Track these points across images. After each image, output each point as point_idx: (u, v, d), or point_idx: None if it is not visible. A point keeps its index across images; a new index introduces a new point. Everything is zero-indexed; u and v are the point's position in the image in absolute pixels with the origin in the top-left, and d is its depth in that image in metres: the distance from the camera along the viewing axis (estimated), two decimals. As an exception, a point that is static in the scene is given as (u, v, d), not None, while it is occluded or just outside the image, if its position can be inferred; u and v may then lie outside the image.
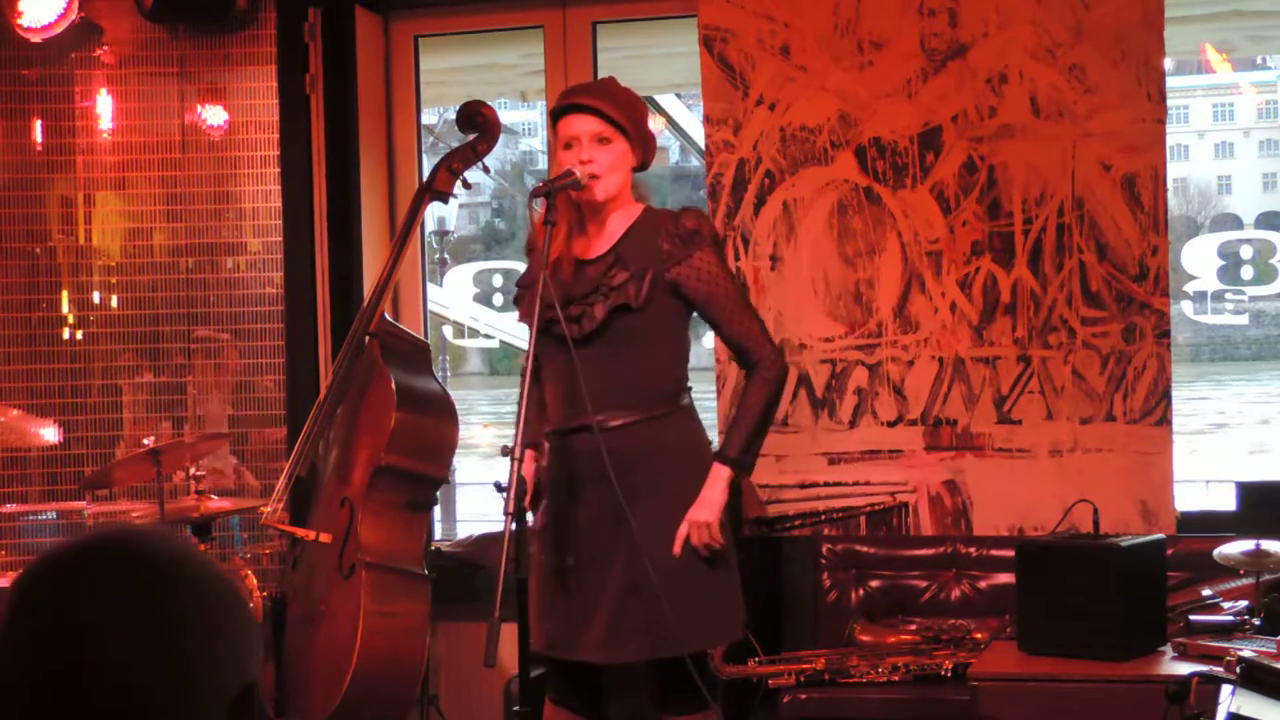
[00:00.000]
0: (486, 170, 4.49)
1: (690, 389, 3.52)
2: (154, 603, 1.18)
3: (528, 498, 3.34)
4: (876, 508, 4.61)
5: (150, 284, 5.04)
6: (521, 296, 3.55)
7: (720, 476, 3.39)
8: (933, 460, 4.58)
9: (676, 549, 3.34)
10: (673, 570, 3.34)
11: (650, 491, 3.36)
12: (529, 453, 3.40)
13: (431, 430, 4.18)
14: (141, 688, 1.16)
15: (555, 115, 3.49)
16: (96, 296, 5.10)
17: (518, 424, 3.34)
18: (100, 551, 1.21)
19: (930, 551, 4.52)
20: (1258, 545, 3.86)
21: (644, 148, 3.47)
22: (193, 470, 4.51)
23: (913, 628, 4.29)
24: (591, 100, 3.43)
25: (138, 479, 4.54)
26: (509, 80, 6.02)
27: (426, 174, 4.51)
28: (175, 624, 1.18)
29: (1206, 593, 4.04)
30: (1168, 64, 4.50)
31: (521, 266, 3.73)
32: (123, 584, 1.18)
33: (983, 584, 4.45)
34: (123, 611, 1.17)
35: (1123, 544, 3.72)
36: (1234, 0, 5.45)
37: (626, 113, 3.42)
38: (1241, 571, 3.96)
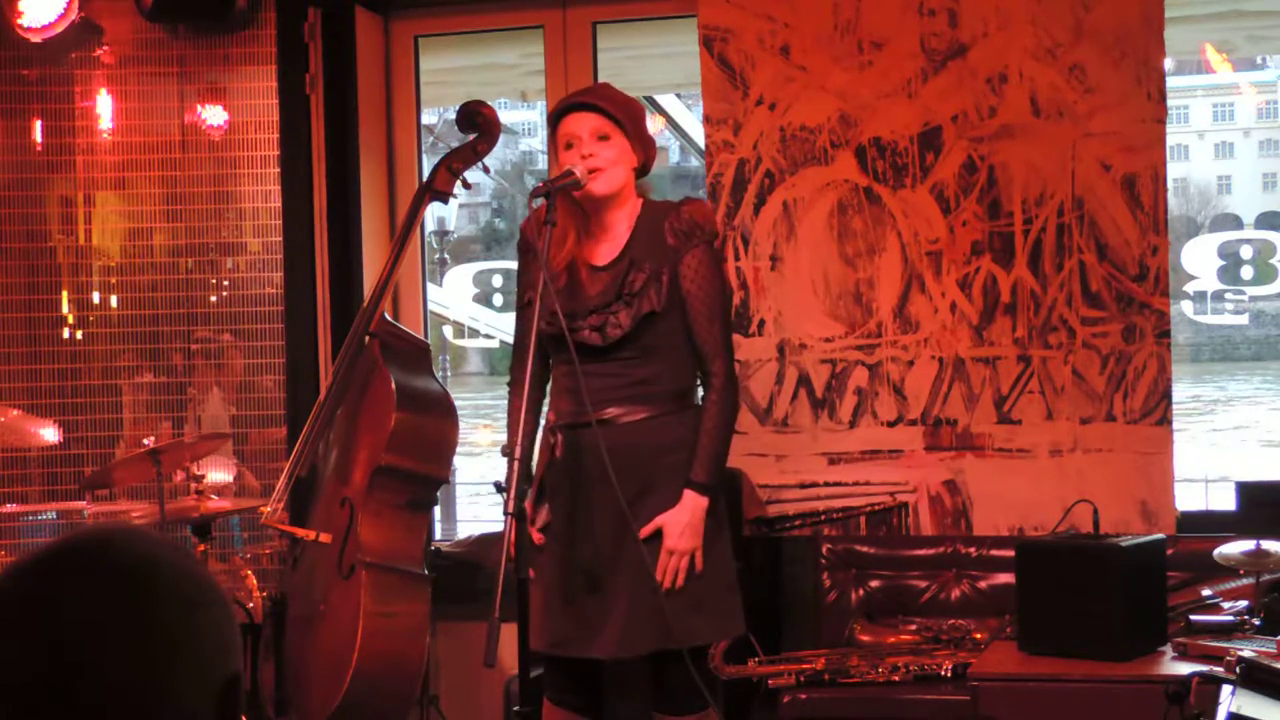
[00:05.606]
0: (486, 170, 4.49)
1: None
2: (131, 599, 1.18)
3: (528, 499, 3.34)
4: (876, 508, 4.61)
5: (150, 284, 5.04)
6: (531, 303, 3.46)
7: (699, 505, 3.39)
8: (933, 460, 4.58)
9: (659, 576, 3.35)
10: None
11: (663, 486, 3.38)
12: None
13: (431, 430, 4.17)
14: (123, 684, 1.16)
15: (554, 119, 3.51)
16: (96, 296, 5.10)
17: (515, 424, 3.36)
18: (77, 550, 1.21)
19: (930, 551, 4.52)
20: (1258, 545, 3.86)
21: (644, 147, 3.48)
22: (193, 470, 4.51)
23: (913, 628, 4.29)
24: (589, 99, 3.47)
25: (138, 479, 4.54)
26: (509, 80, 6.02)
27: (426, 174, 4.51)
28: (154, 620, 1.18)
29: (1206, 593, 4.04)
30: (1168, 64, 4.50)
31: (520, 267, 3.71)
32: (100, 581, 1.19)
33: (983, 584, 4.45)
34: (101, 609, 1.17)
35: (1123, 544, 3.72)
36: (1234, 0, 5.45)
37: (625, 112, 3.45)
38: (1241, 571, 3.96)
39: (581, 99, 3.48)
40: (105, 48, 5.02)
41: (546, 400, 3.59)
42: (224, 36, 4.95)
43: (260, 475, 4.94)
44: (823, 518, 4.63)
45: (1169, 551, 3.95)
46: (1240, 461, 14.24)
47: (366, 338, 4.25)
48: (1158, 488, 4.43)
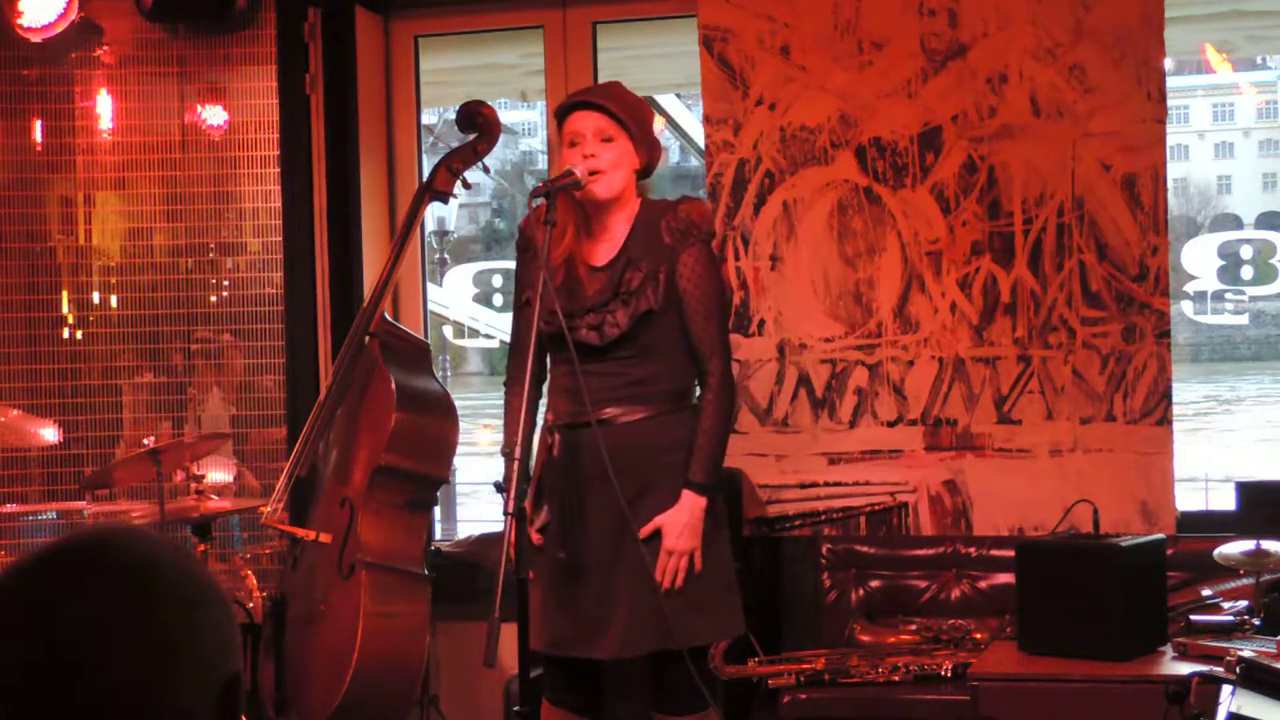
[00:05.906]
0: (486, 170, 4.49)
1: None
2: (131, 599, 1.18)
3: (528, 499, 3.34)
4: (876, 508, 4.61)
5: (150, 284, 5.04)
6: (529, 302, 3.48)
7: (697, 505, 3.39)
8: (933, 460, 4.58)
9: (659, 576, 3.35)
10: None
11: (661, 486, 3.38)
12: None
13: (431, 430, 4.18)
14: (123, 684, 1.16)
15: (560, 115, 3.50)
16: (96, 296, 5.10)
17: (515, 423, 3.36)
18: (77, 550, 1.21)
19: (930, 551, 4.52)
20: (1258, 545, 3.86)
21: (648, 150, 3.47)
22: (193, 470, 4.51)
23: (913, 628, 4.29)
24: (596, 98, 3.45)
25: (138, 479, 4.54)
26: (509, 80, 6.02)
27: (426, 174, 4.51)
28: (153, 620, 1.18)
29: (1206, 593, 4.04)
30: (1168, 64, 4.50)
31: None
32: (100, 581, 1.19)
33: (983, 584, 4.45)
34: (100, 609, 1.17)
35: (1123, 544, 3.72)
36: (1234, 0, 5.45)
37: (631, 114, 3.43)
38: (1241, 571, 3.96)
39: (589, 98, 3.47)
40: (105, 48, 5.02)
41: (543, 400, 3.59)
42: (224, 36, 4.95)
43: (260, 475, 4.94)
44: (823, 518, 4.63)
45: (1169, 551, 3.95)
46: (1260, 461, 14.20)
47: (366, 338, 4.25)
48: (1158, 488, 4.43)
